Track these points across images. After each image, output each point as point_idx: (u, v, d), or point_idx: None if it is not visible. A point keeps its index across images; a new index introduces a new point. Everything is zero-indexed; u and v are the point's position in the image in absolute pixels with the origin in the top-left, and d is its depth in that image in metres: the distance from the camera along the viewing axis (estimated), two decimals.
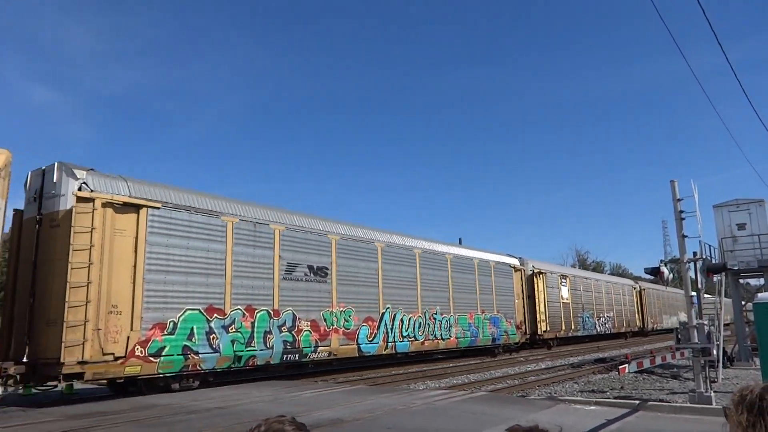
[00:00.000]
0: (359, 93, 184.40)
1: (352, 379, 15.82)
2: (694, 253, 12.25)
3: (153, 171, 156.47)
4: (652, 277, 12.85)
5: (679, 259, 11.04)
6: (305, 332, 15.16)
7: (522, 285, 26.62)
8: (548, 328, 28.09)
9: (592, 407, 9.53)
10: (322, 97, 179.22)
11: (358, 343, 16.95)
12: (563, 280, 30.51)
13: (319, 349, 15.53)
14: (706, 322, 10.50)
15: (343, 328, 16.46)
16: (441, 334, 20.72)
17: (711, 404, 9.51)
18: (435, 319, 20.49)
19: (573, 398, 11.10)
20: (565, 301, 30.32)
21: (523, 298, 26.47)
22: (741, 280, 20.86)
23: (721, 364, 14.20)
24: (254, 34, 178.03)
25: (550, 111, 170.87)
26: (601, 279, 38.35)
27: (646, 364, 10.52)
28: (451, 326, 21.29)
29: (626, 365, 9.58)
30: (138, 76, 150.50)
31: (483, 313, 23.29)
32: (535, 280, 27.90)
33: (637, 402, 9.87)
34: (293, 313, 14.89)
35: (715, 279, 17.63)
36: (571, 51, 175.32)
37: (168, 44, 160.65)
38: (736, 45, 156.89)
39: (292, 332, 14.78)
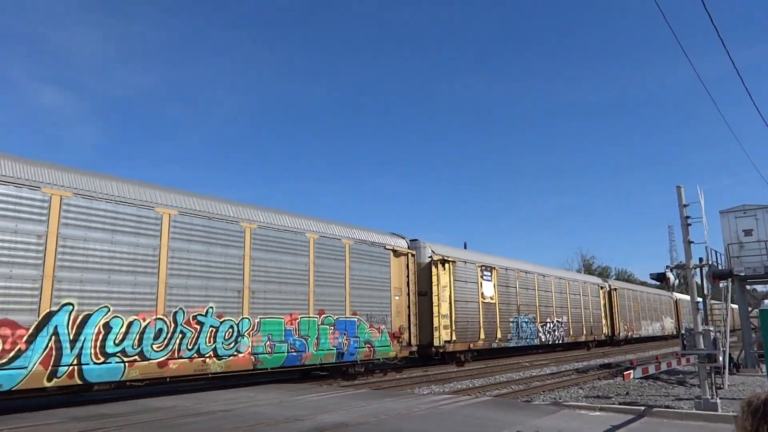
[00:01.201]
0: (364, 97, 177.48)
1: (357, 383, 15.49)
2: (701, 259, 12.44)
3: (161, 174, 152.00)
4: (659, 283, 12.22)
5: (685, 264, 10.74)
6: None
7: (409, 276, 18.47)
8: (454, 338, 19.90)
9: (597, 413, 9.50)
10: (328, 101, 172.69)
11: None
12: (486, 273, 22.18)
13: None
14: (712, 328, 10.31)
15: None
16: (216, 348, 12.78)
17: (717, 411, 9.44)
18: (200, 323, 12.56)
19: (578, 404, 10.88)
20: (488, 300, 22.08)
21: (409, 294, 18.33)
22: (747, 286, 20.61)
23: (727, 371, 14.07)
24: (262, 38, 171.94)
25: (555, 115, 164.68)
26: (550, 274, 29.08)
27: (652, 370, 10.15)
28: (240, 335, 13.34)
29: (631, 371, 9.33)
30: (146, 80, 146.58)
31: (321, 315, 15.31)
32: (434, 270, 19.69)
33: (643, 408, 9.80)
34: None
35: (721, 285, 18.11)
36: (577, 55, 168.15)
37: (176, 48, 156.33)
38: (746, 50, 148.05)
39: None
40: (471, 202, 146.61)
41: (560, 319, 28.08)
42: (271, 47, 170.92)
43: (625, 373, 8.94)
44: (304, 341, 14.70)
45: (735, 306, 20.34)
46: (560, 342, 28.18)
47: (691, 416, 9.14)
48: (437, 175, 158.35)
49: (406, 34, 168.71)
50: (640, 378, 14.44)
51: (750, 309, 19.20)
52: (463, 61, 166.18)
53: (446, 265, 20.14)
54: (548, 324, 26.75)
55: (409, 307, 18.19)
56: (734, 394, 12.43)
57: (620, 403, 11.32)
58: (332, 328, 15.53)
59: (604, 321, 33.72)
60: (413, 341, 18.22)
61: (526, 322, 24.79)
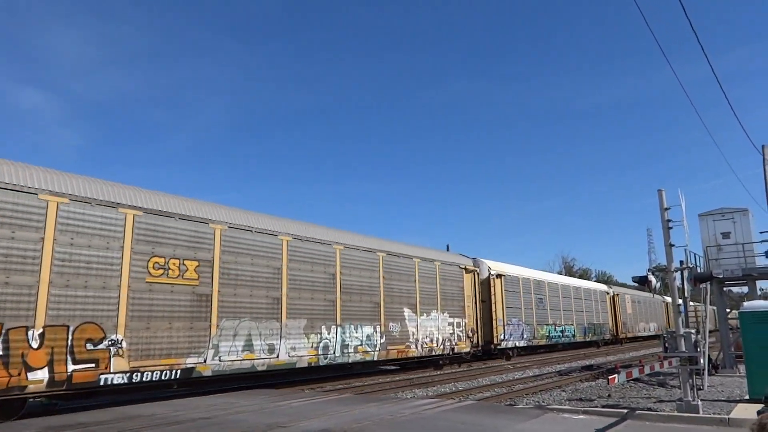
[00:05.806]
0: (350, 99, 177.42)
1: (340, 388, 15.83)
2: (681, 262, 12.04)
3: (142, 177, 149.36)
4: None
5: (665, 267, 10.89)
6: None
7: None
8: None
9: (581, 416, 9.65)
10: (312, 105, 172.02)
11: None
12: None
13: None
14: (693, 331, 10.39)
15: None
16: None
17: (699, 413, 9.51)
18: None
19: (561, 407, 10.95)
20: None
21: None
22: (725, 288, 20.97)
23: (706, 372, 14.37)
24: (246, 41, 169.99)
25: (536, 120, 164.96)
26: None
27: (636, 374, 10.07)
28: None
29: (616, 376, 9.05)
30: (129, 83, 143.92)
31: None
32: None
33: (625, 411, 9.92)
34: None
35: (701, 287, 18.17)
36: (560, 62, 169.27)
37: (160, 50, 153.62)
38: (730, 55, 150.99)
39: None
40: (455, 205, 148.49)
41: None
42: (256, 49, 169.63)
43: (609, 377, 8.95)
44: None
45: (712, 307, 20.53)
46: None
47: (673, 419, 9.30)
48: (419, 178, 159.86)
49: (391, 38, 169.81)
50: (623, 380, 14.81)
51: (729, 310, 19.56)
52: (444, 67, 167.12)
53: None
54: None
55: None
56: (713, 395, 12.66)
57: (603, 406, 11.48)
58: None
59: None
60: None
61: None
